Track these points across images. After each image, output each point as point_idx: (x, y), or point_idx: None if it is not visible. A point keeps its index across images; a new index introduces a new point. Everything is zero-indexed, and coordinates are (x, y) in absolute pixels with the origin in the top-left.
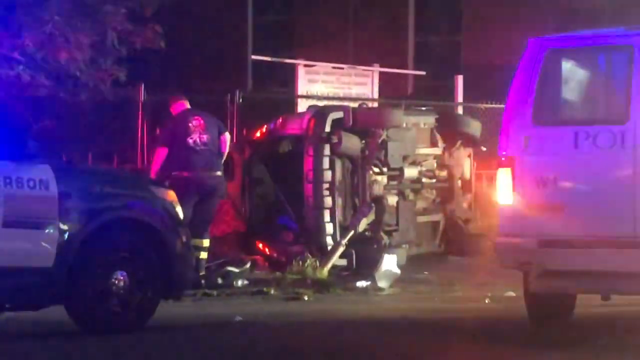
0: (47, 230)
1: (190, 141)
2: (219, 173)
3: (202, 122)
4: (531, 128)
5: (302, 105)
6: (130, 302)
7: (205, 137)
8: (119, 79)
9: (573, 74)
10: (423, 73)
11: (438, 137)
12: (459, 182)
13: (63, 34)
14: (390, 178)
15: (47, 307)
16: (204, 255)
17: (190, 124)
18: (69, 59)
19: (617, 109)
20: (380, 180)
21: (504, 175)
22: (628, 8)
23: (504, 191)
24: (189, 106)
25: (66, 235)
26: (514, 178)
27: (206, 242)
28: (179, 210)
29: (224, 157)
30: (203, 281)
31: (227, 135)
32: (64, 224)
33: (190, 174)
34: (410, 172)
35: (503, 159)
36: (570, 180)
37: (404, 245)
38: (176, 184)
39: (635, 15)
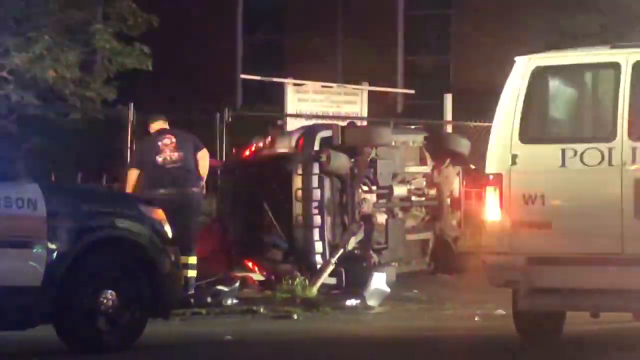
0: (35, 250)
1: (160, 159)
2: (194, 190)
3: (173, 140)
4: (518, 146)
5: (292, 124)
6: (119, 321)
7: (176, 155)
8: (108, 98)
9: (560, 92)
10: (412, 92)
11: (427, 155)
12: (448, 200)
13: (52, 54)
14: (379, 196)
15: (35, 326)
16: (192, 273)
17: (160, 143)
18: (58, 79)
19: (604, 126)
20: (369, 198)
21: (491, 193)
22: (615, 27)
23: (492, 209)
24: (166, 126)
25: (54, 255)
26: (501, 196)
27: (192, 259)
28: (167, 229)
29: (204, 174)
30: (192, 300)
31: (204, 152)
32: (52, 243)
33: (161, 191)
34: (400, 190)
35: (490, 176)
36: (557, 197)
37: (393, 264)
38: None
39: (622, 34)
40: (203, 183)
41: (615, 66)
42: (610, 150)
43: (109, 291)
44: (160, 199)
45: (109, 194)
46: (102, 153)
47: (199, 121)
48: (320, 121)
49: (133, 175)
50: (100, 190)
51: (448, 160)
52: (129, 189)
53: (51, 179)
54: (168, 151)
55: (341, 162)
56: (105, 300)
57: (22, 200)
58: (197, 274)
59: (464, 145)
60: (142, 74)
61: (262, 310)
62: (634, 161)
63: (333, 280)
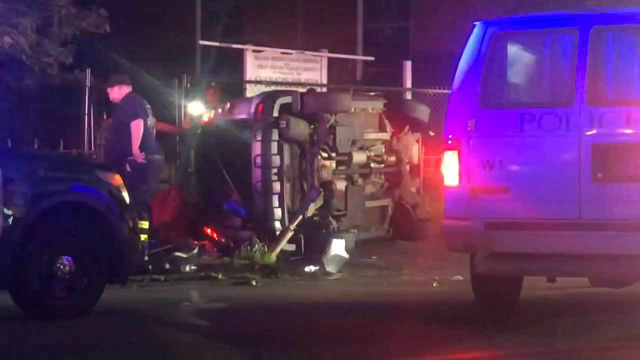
0: None
1: (149, 123)
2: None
3: (149, 105)
4: (477, 111)
5: (251, 91)
6: (76, 287)
7: (154, 121)
8: (65, 63)
9: (518, 57)
10: (372, 59)
11: (386, 122)
12: (407, 167)
13: (7, 19)
14: (338, 163)
15: None
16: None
17: (146, 107)
18: (14, 44)
19: (562, 92)
20: (328, 165)
21: (450, 158)
22: None
23: (450, 174)
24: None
25: (10, 220)
26: (460, 161)
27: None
28: (125, 194)
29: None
30: (150, 266)
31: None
32: (8, 208)
33: (153, 156)
34: (359, 157)
35: (449, 142)
36: (515, 163)
37: (352, 230)
38: (139, 167)
39: (581, 1)
40: None
41: (574, 31)
42: (568, 115)
43: (66, 257)
44: (153, 164)
45: (65, 159)
46: (59, 118)
47: (156, 87)
48: (279, 88)
49: (141, 126)
50: (57, 155)
51: (407, 127)
52: (137, 142)
53: (7, 145)
54: (150, 115)
55: (300, 128)
56: (62, 266)
57: None
58: (157, 240)
59: (423, 112)
60: (99, 38)
61: (220, 276)
62: (591, 126)
63: (292, 247)
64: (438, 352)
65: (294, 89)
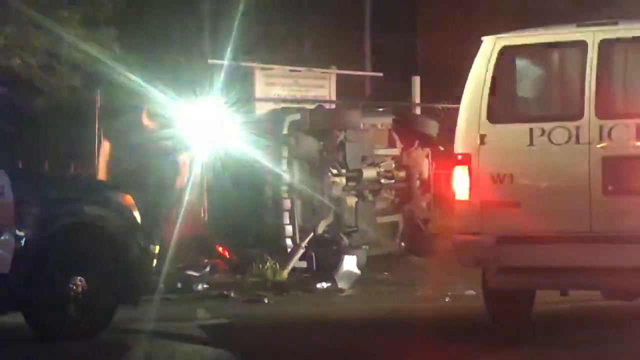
0: (2, 237)
1: None
2: None
3: None
4: (487, 125)
5: (260, 108)
6: (88, 307)
7: None
8: (74, 84)
9: (527, 71)
10: (380, 75)
11: (396, 137)
12: (418, 182)
13: (17, 40)
14: (348, 179)
15: (4, 313)
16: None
17: None
18: (24, 65)
19: (572, 105)
20: (338, 181)
21: (460, 173)
22: (582, 7)
23: (461, 189)
24: None
25: (22, 241)
26: (470, 176)
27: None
28: (136, 214)
29: None
30: (162, 285)
31: None
32: (20, 230)
33: None
34: (369, 173)
35: (459, 157)
36: (526, 177)
37: (363, 246)
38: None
39: (589, 13)
40: None
41: (582, 44)
42: (577, 128)
43: (78, 277)
44: None
45: (76, 180)
46: (69, 139)
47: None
48: (288, 105)
49: None
50: (68, 176)
51: (417, 142)
52: None
53: (18, 166)
54: None
55: (310, 145)
56: (74, 287)
57: None
58: (168, 259)
59: (432, 127)
60: (108, 59)
61: (232, 294)
62: (601, 139)
63: (303, 264)
64: None
65: (303, 106)
